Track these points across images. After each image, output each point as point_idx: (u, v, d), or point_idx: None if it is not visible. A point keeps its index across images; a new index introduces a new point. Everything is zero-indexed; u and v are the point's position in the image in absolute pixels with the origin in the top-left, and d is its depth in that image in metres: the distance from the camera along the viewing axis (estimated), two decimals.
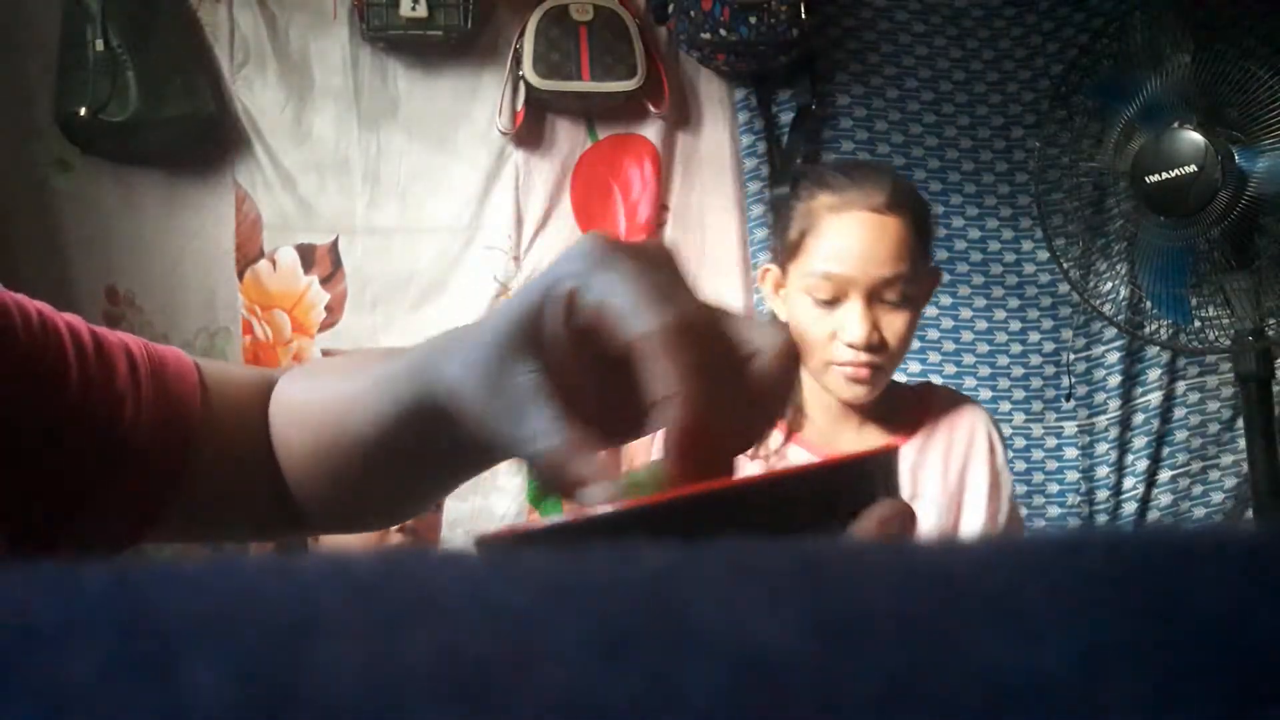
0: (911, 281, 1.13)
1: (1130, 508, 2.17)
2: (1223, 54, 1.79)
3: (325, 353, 1.95)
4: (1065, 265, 2.05)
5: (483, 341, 0.35)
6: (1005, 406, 2.16)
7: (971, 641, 0.11)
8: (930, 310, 2.11)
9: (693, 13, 2.00)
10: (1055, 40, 2.23)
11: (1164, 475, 2.18)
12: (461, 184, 2.04)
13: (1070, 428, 2.20)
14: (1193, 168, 1.79)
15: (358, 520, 0.57)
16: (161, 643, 0.11)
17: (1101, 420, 2.19)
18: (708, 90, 2.13)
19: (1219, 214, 1.80)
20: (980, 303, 2.19)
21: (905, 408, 1.24)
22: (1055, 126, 2.06)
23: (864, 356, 1.12)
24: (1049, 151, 2.05)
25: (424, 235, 2.03)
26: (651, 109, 2.07)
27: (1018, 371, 2.20)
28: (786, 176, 2.06)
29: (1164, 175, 1.83)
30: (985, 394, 2.15)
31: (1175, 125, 1.83)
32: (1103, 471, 2.19)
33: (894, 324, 1.13)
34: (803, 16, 1.98)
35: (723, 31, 1.98)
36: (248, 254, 1.97)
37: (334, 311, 1.99)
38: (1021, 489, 2.14)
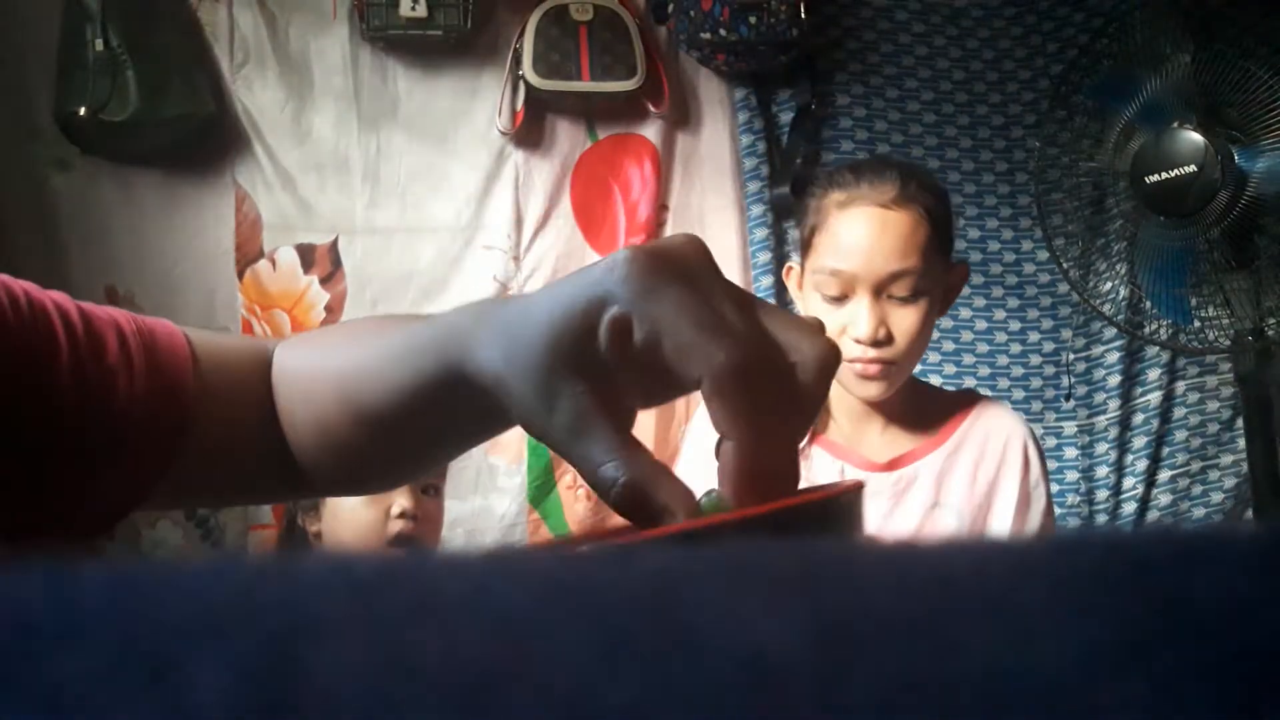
0: (925, 276, 1.11)
1: (1130, 508, 2.17)
2: (1223, 54, 1.79)
3: None
4: (1065, 265, 2.05)
5: (528, 340, 0.35)
6: (1004, 403, 2.16)
7: (971, 642, 0.11)
8: None
9: (693, 13, 2.00)
10: (1055, 40, 2.23)
11: (1164, 475, 2.18)
12: (461, 184, 2.04)
13: (1070, 428, 2.20)
14: (1192, 168, 1.79)
15: (365, 483, 0.59)
16: (161, 644, 0.11)
17: (1101, 420, 2.19)
18: (708, 90, 2.13)
19: (1219, 214, 1.80)
20: (980, 303, 2.19)
21: (937, 412, 1.22)
22: (1055, 126, 2.06)
23: (871, 353, 1.11)
24: (1049, 151, 2.06)
25: (424, 235, 2.03)
26: (651, 109, 2.07)
27: (1017, 371, 2.20)
28: (786, 176, 2.06)
29: (1164, 175, 1.83)
30: (984, 394, 2.15)
31: (1175, 125, 1.83)
32: (1102, 471, 2.19)
33: (903, 320, 1.12)
34: (803, 16, 1.98)
35: (722, 31, 1.98)
36: (247, 254, 1.97)
37: (334, 311, 1.99)
38: None
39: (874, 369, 1.12)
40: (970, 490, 1.18)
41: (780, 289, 2.02)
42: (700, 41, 2.01)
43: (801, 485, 0.35)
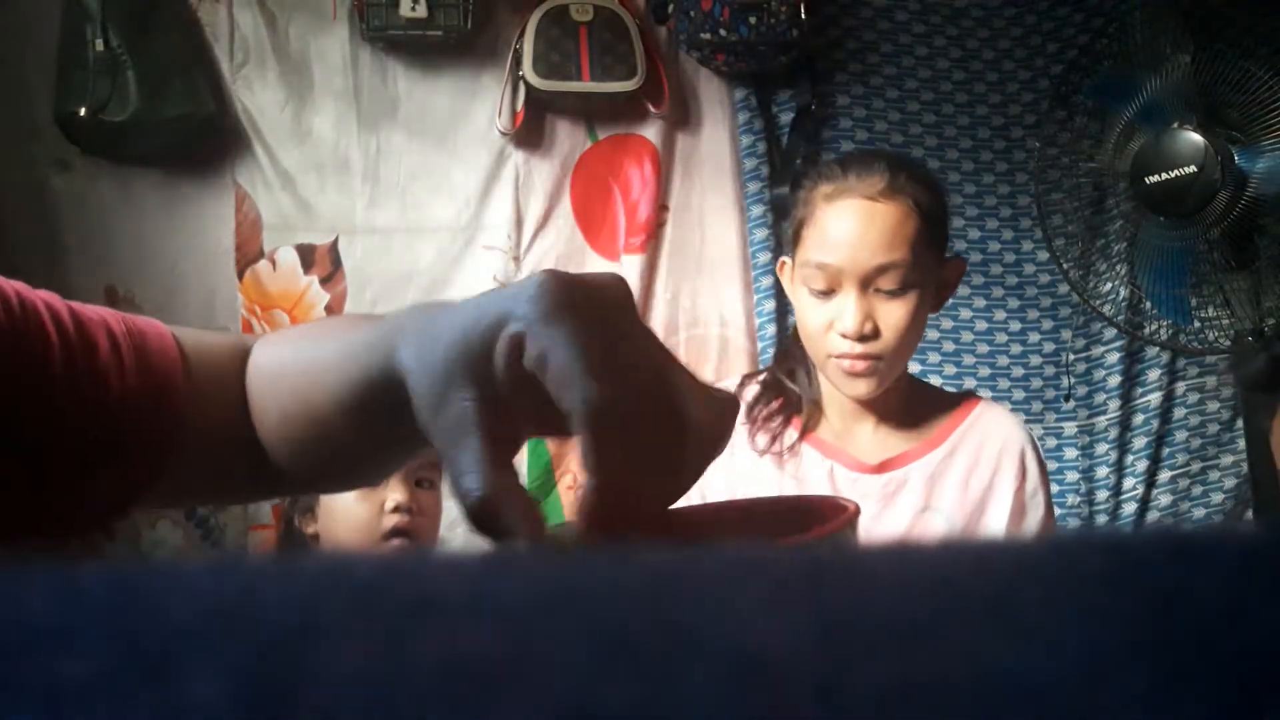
0: (914, 270, 1.09)
1: (1130, 508, 2.18)
2: (1223, 54, 1.79)
3: None
4: (1065, 265, 2.05)
5: (436, 346, 0.36)
6: (1005, 407, 2.16)
7: (971, 642, 0.11)
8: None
9: (693, 13, 2.00)
10: (1055, 40, 2.23)
11: (1164, 475, 2.18)
12: (461, 184, 2.04)
13: (1070, 428, 2.20)
14: (1192, 168, 1.79)
15: (330, 481, 0.59)
16: (161, 644, 0.11)
17: (1101, 421, 2.19)
18: (708, 90, 2.13)
19: (1219, 214, 1.80)
20: (980, 303, 2.19)
21: (933, 413, 1.19)
22: (1055, 126, 2.06)
23: (858, 347, 1.09)
24: (1049, 151, 2.06)
25: (424, 235, 2.03)
26: (651, 109, 2.07)
27: (1017, 372, 2.20)
28: (786, 176, 2.06)
29: (1164, 176, 1.83)
30: (984, 394, 2.15)
31: (1175, 125, 1.83)
32: (1102, 472, 2.19)
33: (891, 314, 1.09)
34: (802, 16, 1.98)
35: (722, 31, 1.98)
36: (247, 254, 1.97)
37: (334, 311, 1.99)
38: None
39: (861, 365, 1.10)
40: (962, 496, 1.15)
41: (780, 289, 2.02)
42: (700, 42, 2.01)
43: (791, 489, 0.36)
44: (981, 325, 2.19)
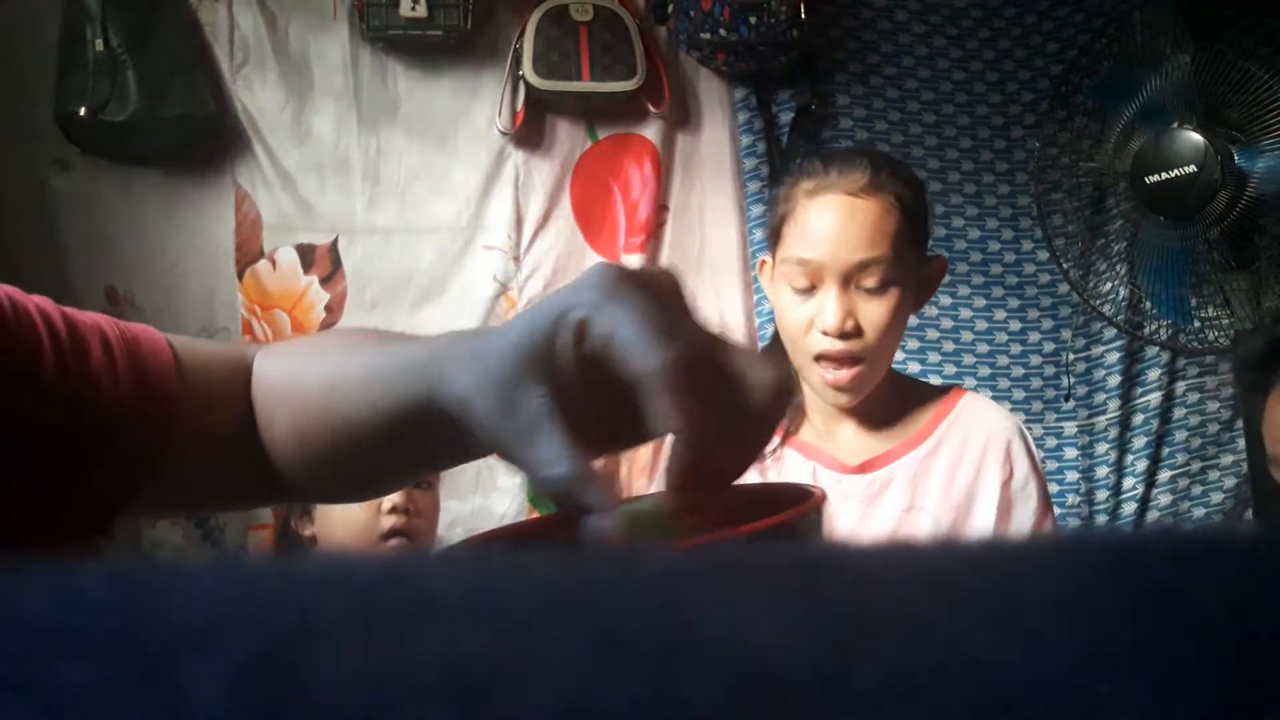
0: (895, 267, 1.08)
1: (1130, 508, 2.18)
2: (1223, 54, 1.79)
3: None
4: (1065, 265, 2.05)
5: (496, 359, 0.36)
6: (1005, 407, 2.16)
7: (971, 642, 0.11)
8: (930, 310, 2.11)
9: (692, 13, 2.00)
10: (1055, 40, 2.23)
11: (1164, 475, 2.18)
12: (461, 184, 2.04)
13: (1070, 428, 2.20)
14: (1192, 168, 1.79)
15: (340, 493, 0.60)
16: (161, 645, 0.11)
17: (1101, 420, 2.19)
18: (708, 90, 2.13)
19: (1218, 214, 1.80)
20: (980, 303, 2.19)
21: (916, 409, 1.17)
22: (1055, 126, 2.06)
23: (839, 345, 1.07)
24: (1049, 151, 2.06)
25: (424, 235, 2.03)
26: (651, 109, 2.07)
27: (1017, 372, 2.20)
28: (787, 177, 2.06)
29: (1164, 175, 1.83)
30: (985, 394, 2.15)
31: (1175, 125, 1.83)
32: (1102, 471, 2.19)
33: (873, 312, 1.08)
34: (802, 16, 1.98)
35: (722, 31, 1.98)
36: (247, 254, 1.97)
37: (334, 311, 1.99)
38: None
39: (844, 375, 1.08)
40: (947, 493, 1.13)
41: None
42: (700, 41, 2.01)
43: (766, 484, 0.37)
44: (981, 325, 2.19)
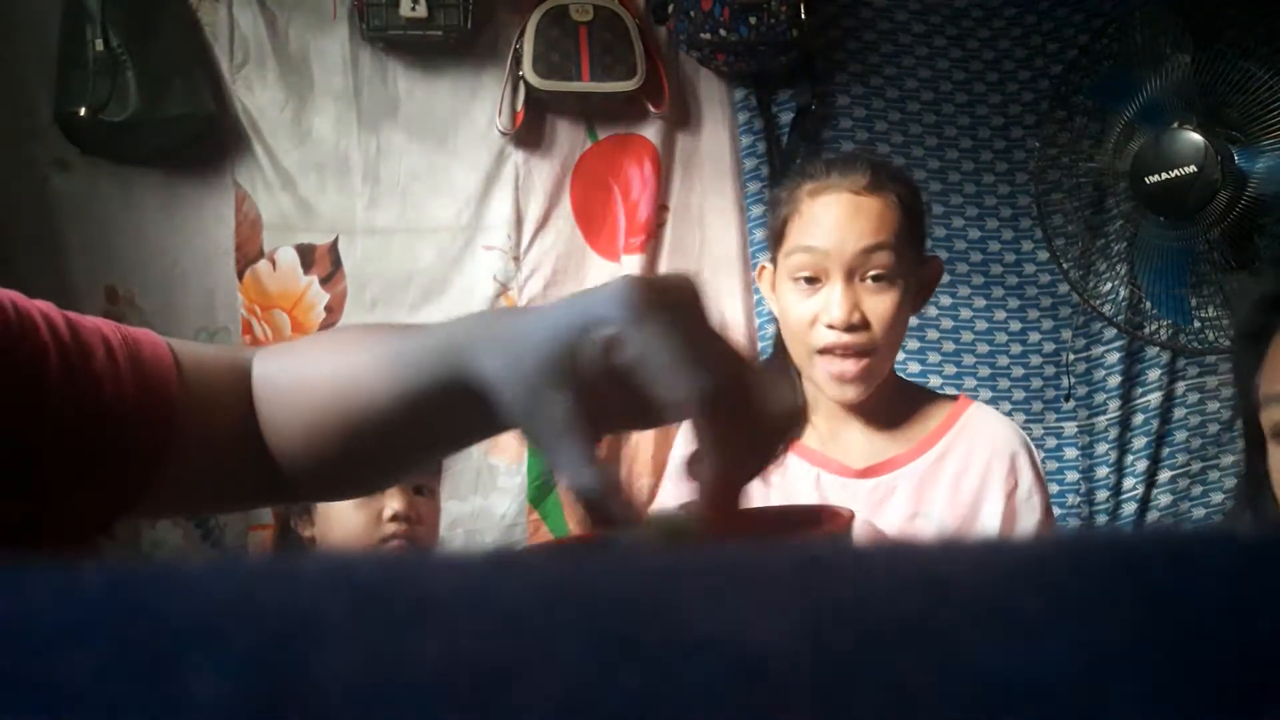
0: (900, 260, 1.09)
1: (1130, 508, 2.17)
2: (1223, 54, 1.79)
3: None
4: (1065, 265, 2.05)
5: (523, 353, 0.38)
6: (1005, 407, 2.16)
7: (970, 642, 0.11)
8: (930, 310, 2.11)
9: (692, 13, 2.00)
10: (1055, 40, 2.23)
11: (1164, 475, 2.18)
12: (461, 184, 2.04)
13: (1070, 428, 2.20)
14: (1192, 168, 1.79)
15: (349, 486, 0.61)
16: (162, 645, 0.11)
17: (1101, 420, 2.19)
18: (708, 90, 2.13)
19: (1219, 214, 1.80)
20: (980, 303, 2.19)
21: (922, 416, 1.17)
22: (1055, 126, 2.06)
23: (846, 338, 1.07)
24: (1049, 151, 2.06)
25: (424, 235, 2.03)
26: (651, 109, 2.07)
27: (1017, 372, 2.20)
28: (787, 177, 2.06)
29: (1164, 175, 1.83)
30: (985, 394, 2.15)
31: (1175, 125, 1.83)
32: (1102, 472, 2.19)
33: (878, 305, 1.08)
34: (802, 16, 1.98)
35: (722, 31, 1.98)
36: (247, 254, 1.97)
37: (334, 311, 1.99)
38: None
39: (850, 368, 1.08)
40: (952, 501, 1.13)
41: None
42: (700, 42, 2.01)
43: (777, 498, 0.38)
44: (981, 325, 2.19)
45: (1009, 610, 0.12)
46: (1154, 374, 2.17)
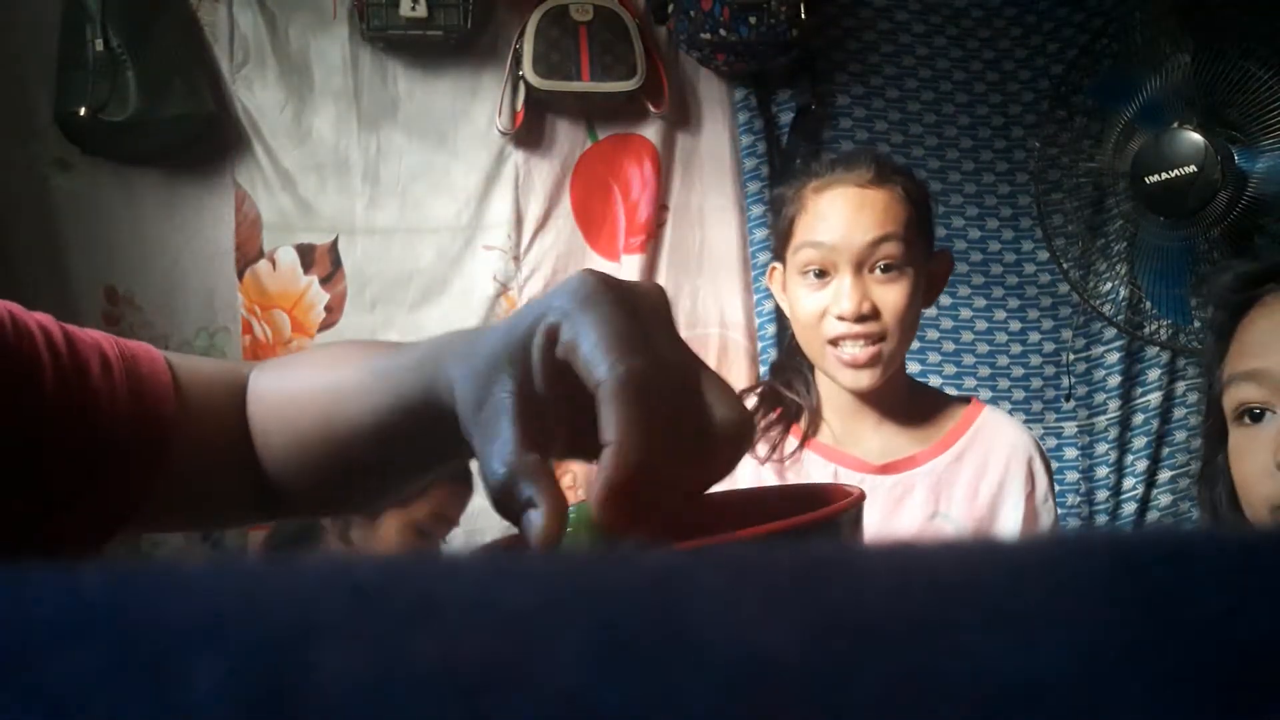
0: (908, 250, 1.09)
1: (1130, 508, 2.18)
2: (1223, 54, 1.79)
3: None
4: (1065, 265, 2.05)
5: (480, 354, 0.37)
6: (1005, 407, 2.16)
7: (970, 644, 0.11)
8: (930, 310, 2.11)
9: (692, 13, 2.00)
10: (1055, 40, 2.23)
11: (1163, 475, 2.18)
12: (461, 184, 2.04)
13: (1070, 428, 2.20)
14: (1192, 168, 1.79)
15: (339, 505, 0.59)
16: (162, 644, 0.11)
17: (1101, 420, 2.19)
18: (708, 90, 2.13)
19: (1219, 214, 1.80)
20: (980, 303, 2.19)
21: (936, 416, 1.17)
22: (1055, 126, 2.06)
23: (856, 328, 1.08)
24: (1049, 151, 2.06)
25: (424, 235, 2.03)
26: (651, 109, 2.07)
27: (1017, 372, 2.20)
28: (787, 176, 2.06)
29: (1164, 175, 1.83)
30: (985, 394, 2.15)
31: (1175, 125, 1.83)
32: (1102, 472, 2.19)
33: (888, 295, 1.09)
34: (802, 16, 1.98)
35: (722, 31, 1.98)
36: (247, 254, 1.97)
37: (333, 311, 1.99)
38: None
39: (862, 353, 1.09)
40: (971, 503, 1.13)
41: None
42: (700, 41, 2.01)
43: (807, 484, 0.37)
44: (981, 325, 2.19)
45: (1009, 610, 0.12)
46: (1154, 374, 2.17)
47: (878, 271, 1.09)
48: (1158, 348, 2.14)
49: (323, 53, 2.00)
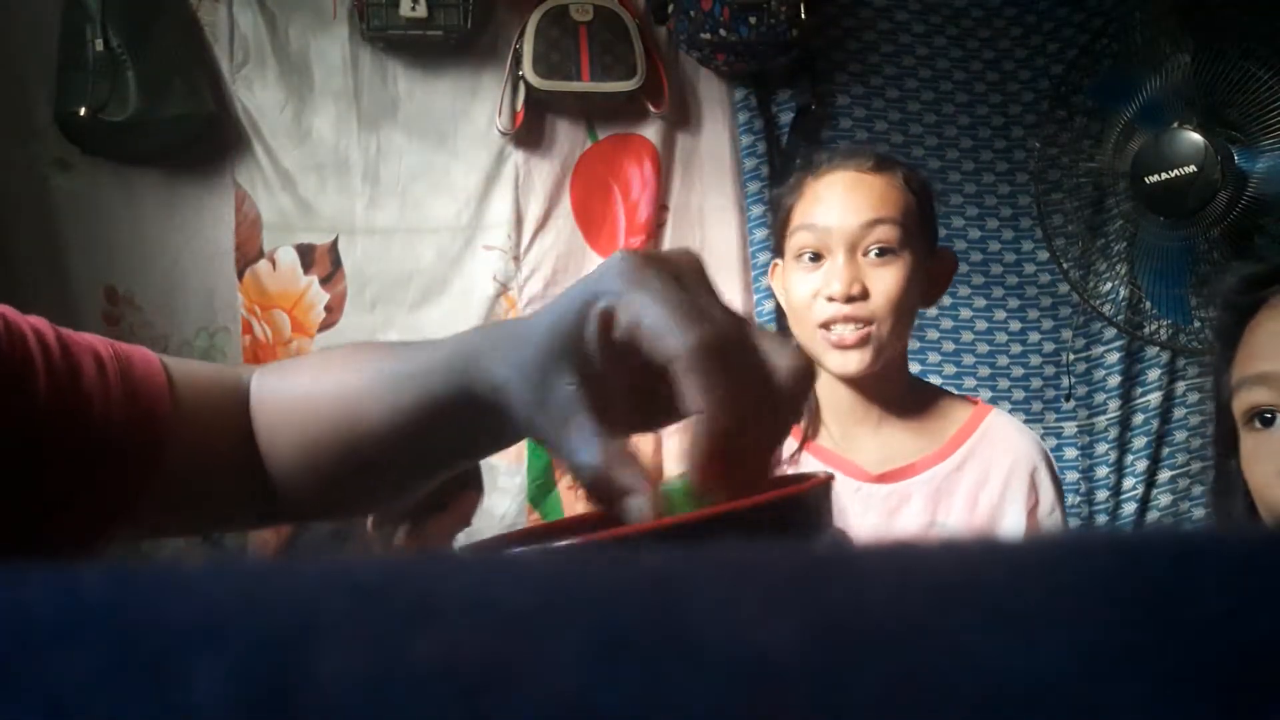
0: (904, 236, 1.07)
1: (1130, 508, 2.18)
2: (1223, 54, 1.79)
3: None
4: (1065, 265, 2.05)
5: (529, 348, 0.37)
6: (1005, 407, 2.16)
7: (970, 644, 0.11)
8: (930, 310, 2.11)
9: (693, 13, 2.00)
10: (1055, 40, 2.23)
11: (1164, 475, 2.18)
12: (461, 184, 2.04)
13: (1070, 428, 2.20)
14: (1192, 168, 1.79)
15: (355, 505, 0.60)
16: (162, 645, 0.11)
17: (1101, 420, 2.19)
18: (708, 90, 2.13)
19: (1219, 214, 1.80)
20: (980, 303, 2.19)
21: (940, 421, 1.15)
22: (1055, 126, 2.06)
23: (845, 309, 1.06)
24: (1049, 151, 2.06)
25: (424, 235, 2.03)
26: (651, 109, 2.07)
27: (1017, 372, 2.20)
28: (786, 176, 2.06)
29: (1164, 175, 1.83)
30: (985, 394, 2.15)
31: (1175, 125, 1.83)
32: (1102, 471, 2.19)
33: (881, 278, 1.06)
34: (802, 16, 1.98)
35: (722, 31, 1.98)
36: (247, 254, 1.97)
37: (334, 311, 1.99)
38: None
39: (851, 337, 1.06)
40: (970, 513, 1.11)
41: None
42: (700, 41, 2.01)
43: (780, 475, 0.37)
44: (981, 325, 2.19)
45: (1009, 610, 0.12)
46: (1154, 374, 2.17)
47: (872, 255, 1.07)
48: (1158, 348, 2.14)
49: (323, 53, 2.00)
